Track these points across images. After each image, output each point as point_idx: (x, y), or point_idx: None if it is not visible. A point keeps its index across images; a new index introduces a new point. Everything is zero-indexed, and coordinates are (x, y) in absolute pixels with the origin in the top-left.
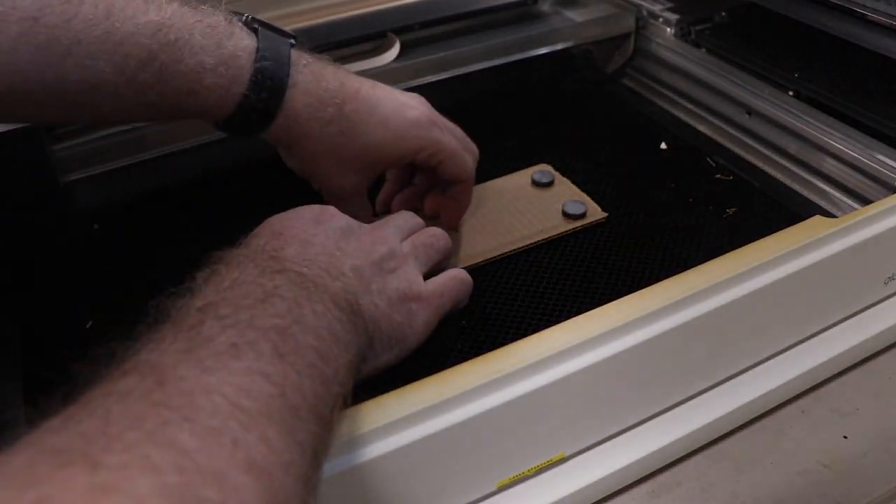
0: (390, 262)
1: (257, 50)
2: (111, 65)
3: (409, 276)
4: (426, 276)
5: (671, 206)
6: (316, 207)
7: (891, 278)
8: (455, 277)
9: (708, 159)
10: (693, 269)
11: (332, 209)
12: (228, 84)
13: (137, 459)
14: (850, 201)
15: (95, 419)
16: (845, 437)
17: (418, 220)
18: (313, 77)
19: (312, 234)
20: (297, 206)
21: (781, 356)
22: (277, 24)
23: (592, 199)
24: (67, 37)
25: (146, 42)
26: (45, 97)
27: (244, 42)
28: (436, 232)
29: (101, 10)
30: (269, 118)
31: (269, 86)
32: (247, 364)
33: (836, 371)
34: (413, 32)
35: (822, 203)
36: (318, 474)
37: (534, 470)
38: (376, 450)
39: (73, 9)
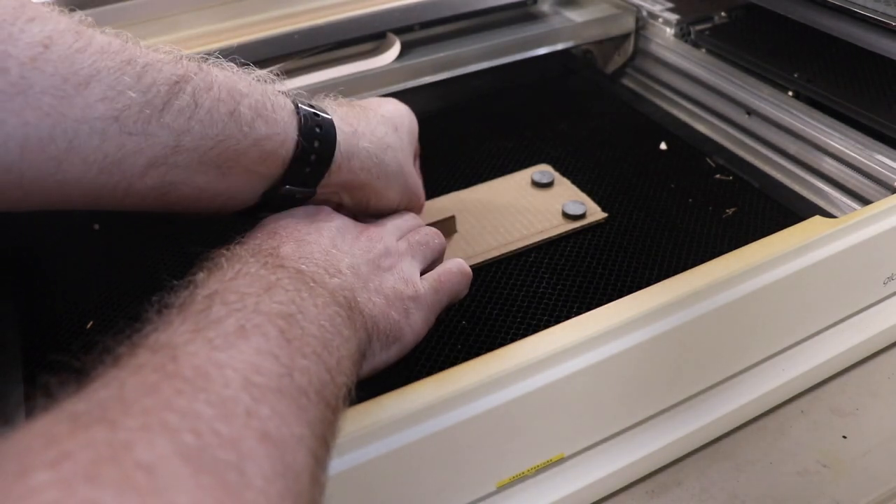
0: (386, 259)
1: (287, 94)
2: (138, 92)
3: (406, 274)
4: (422, 273)
5: (671, 206)
6: (311, 207)
7: (890, 278)
8: (451, 270)
9: (708, 159)
10: (693, 269)
11: (326, 209)
12: (272, 101)
13: (155, 422)
14: (849, 201)
15: (111, 389)
16: (845, 437)
17: (415, 220)
18: (349, 125)
19: (307, 232)
20: None
21: (781, 356)
22: (277, 24)
23: (592, 199)
24: (84, 66)
25: (170, 69)
26: (66, 147)
27: (277, 84)
28: (430, 230)
29: (115, 44)
30: (332, 131)
31: (309, 103)
32: (255, 345)
33: (836, 371)
34: (413, 32)
35: (822, 203)
36: (327, 456)
37: (533, 470)
38: (376, 450)
39: (86, 40)
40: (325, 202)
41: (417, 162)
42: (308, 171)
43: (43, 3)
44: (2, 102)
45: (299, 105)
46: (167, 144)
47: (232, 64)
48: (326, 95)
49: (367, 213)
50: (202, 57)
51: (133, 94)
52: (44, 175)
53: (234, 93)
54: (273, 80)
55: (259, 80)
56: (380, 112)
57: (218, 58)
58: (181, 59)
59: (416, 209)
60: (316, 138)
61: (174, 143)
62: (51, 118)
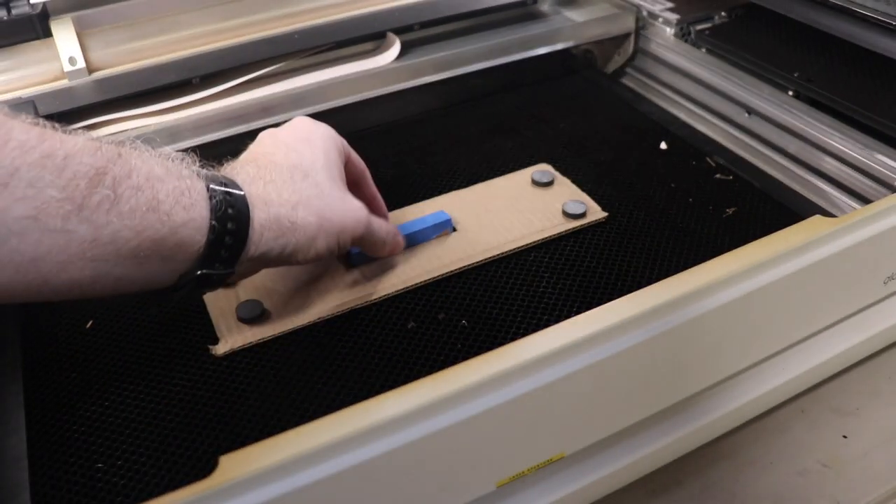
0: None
1: (182, 159)
2: (58, 189)
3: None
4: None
5: (671, 206)
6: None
7: (890, 278)
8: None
9: (708, 159)
10: (693, 269)
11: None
12: (189, 186)
13: None
14: (849, 201)
15: None
16: (845, 437)
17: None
18: (258, 195)
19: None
20: None
21: (781, 356)
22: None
23: (592, 199)
24: (3, 165)
25: (90, 160)
26: None
27: (172, 154)
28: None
29: (33, 135)
30: (245, 211)
31: (223, 181)
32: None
33: (836, 371)
34: (413, 32)
35: (822, 203)
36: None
37: (533, 470)
38: (376, 449)
39: (4, 134)
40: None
41: (368, 178)
42: (224, 254)
43: None
44: None
45: (210, 186)
46: (85, 239)
47: (147, 147)
48: (230, 159)
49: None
50: (118, 142)
51: (53, 192)
52: None
53: (153, 179)
54: (185, 159)
55: (173, 161)
56: (279, 159)
57: (134, 141)
58: (99, 147)
59: (369, 235)
60: (229, 219)
61: (92, 238)
62: None
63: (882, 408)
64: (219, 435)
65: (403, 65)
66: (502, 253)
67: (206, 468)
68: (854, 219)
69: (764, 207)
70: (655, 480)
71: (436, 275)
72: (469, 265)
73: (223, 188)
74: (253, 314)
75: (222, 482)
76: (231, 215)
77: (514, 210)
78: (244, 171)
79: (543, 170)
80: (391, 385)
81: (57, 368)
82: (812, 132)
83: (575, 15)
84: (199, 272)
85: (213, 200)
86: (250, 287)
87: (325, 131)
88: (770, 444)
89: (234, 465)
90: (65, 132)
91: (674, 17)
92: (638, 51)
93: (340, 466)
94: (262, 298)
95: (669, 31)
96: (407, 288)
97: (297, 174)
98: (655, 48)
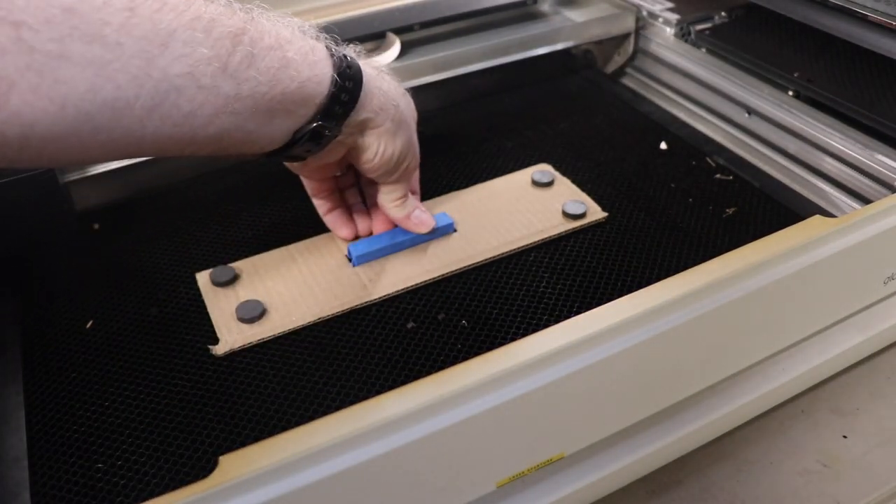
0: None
1: (318, 38)
2: (208, 48)
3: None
4: None
5: (671, 206)
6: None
7: (890, 278)
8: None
9: (708, 159)
10: (693, 269)
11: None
12: (313, 46)
13: None
14: (850, 201)
15: None
16: (845, 437)
17: None
18: (372, 67)
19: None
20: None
21: (781, 356)
22: None
23: (592, 199)
24: (163, 25)
25: (230, 21)
26: (148, 104)
27: (307, 28)
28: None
29: None
30: (359, 75)
31: (340, 46)
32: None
33: (836, 371)
34: (413, 32)
35: (822, 203)
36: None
37: (533, 470)
38: (376, 449)
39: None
40: (341, 144)
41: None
42: (338, 110)
43: None
44: (100, 68)
45: (332, 48)
46: (229, 94)
47: (272, 10)
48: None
49: (373, 164)
50: (247, 8)
51: (204, 50)
52: (127, 134)
53: (282, 40)
54: (304, 25)
55: (296, 26)
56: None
57: (259, 6)
58: (235, 11)
59: (413, 168)
60: (348, 78)
61: (235, 93)
62: (138, 80)
63: (882, 408)
64: (219, 435)
65: (403, 65)
66: (502, 253)
67: (206, 468)
68: (854, 219)
69: (764, 207)
70: (655, 480)
71: (436, 275)
72: (469, 265)
73: (342, 54)
74: (253, 314)
75: (222, 482)
76: (349, 74)
77: (514, 210)
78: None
79: (543, 170)
80: (391, 385)
81: (57, 368)
82: (812, 132)
83: (575, 15)
84: (314, 124)
85: (334, 58)
86: (250, 287)
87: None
88: (770, 444)
89: (234, 465)
90: None
91: (674, 17)
92: (638, 51)
93: (340, 466)
94: (262, 298)
95: (669, 31)
96: (407, 288)
97: (399, 93)
98: (655, 48)
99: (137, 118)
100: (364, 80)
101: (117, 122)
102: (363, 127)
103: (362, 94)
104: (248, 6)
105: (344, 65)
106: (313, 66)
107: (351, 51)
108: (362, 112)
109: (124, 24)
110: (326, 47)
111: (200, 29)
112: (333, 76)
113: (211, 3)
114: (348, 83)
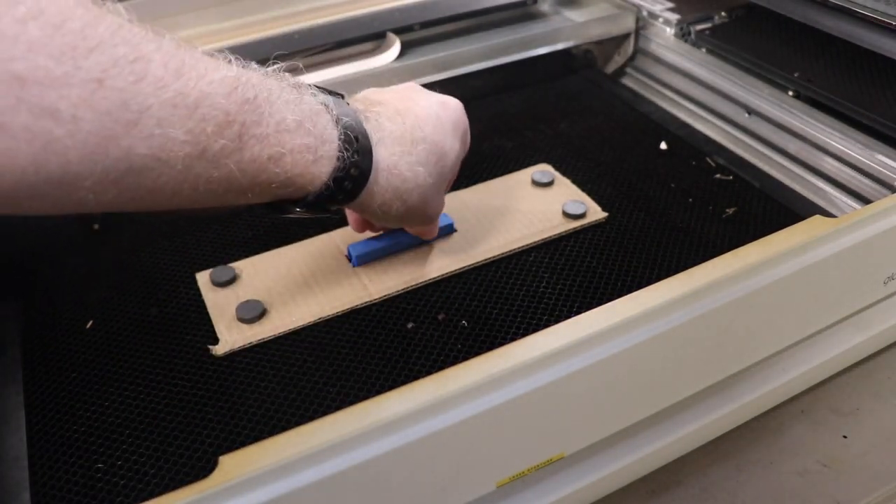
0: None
1: (326, 105)
2: (185, 132)
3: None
4: None
5: (671, 206)
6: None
7: (891, 278)
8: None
9: (708, 159)
10: (693, 269)
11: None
12: (316, 144)
13: None
14: (849, 201)
15: None
16: (845, 437)
17: None
18: (390, 157)
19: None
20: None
21: (781, 356)
22: (277, 24)
23: (592, 199)
24: (136, 101)
25: (222, 102)
26: (102, 180)
27: (319, 96)
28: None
29: (171, 69)
30: (363, 181)
31: (356, 144)
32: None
33: (836, 371)
34: (413, 32)
35: (822, 203)
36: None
37: (533, 470)
38: (376, 449)
39: (143, 68)
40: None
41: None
42: (328, 205)
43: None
44: (47, 143)
45: (342, 144)
46: (201, 176)
47: (290, 81)
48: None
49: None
50: (262, 73)
51: (178, 134)
52: (79, 205)
53: (282, 131)
54: (329, 102)
55: (314, 105)
56: (428, 131)
57: (278, 72)
58: (236, 87)
59: (423, 235)
60: (349, 179)
61: (207, 177)
62: (93, 158)
63: (882, 408)
64: (219, 435)
65: (403, 65)
66: (502, 253)
67: (206, 468)
68: (854, 219)
69: (764, 207)
70: (655, 480)
71: (436, 275)
72: (469, 265)
73: (354, 152)
74: (253, 314)
75: (222, 482)
76: (353, 175)
77: (514, 210)
78: (390, 125)
79: (543, 170)
80: (391, 385)
81: (57, 368)
82: (812, 132)
83: (575, 15)
84: (293, 209)
85: (339, 162)
86: (250, 287)
87: (461, 110)
88: (770, 444)
89: (234, 465)
90: (208, 58)
91: (674, 17)
92: (638, 51)
93: (340, 466)
94: (262, 298)
95: (669, 31)
96: (407, 288)
97: (433, 156)
98: (655, 48)
99: (89, 191)
100: (372, 178)
101: (67, 196)
102: (353, 208)
103: (364, 191)
104: (266, 71)
105: (348, 167)
106: (309, 166)
107: (384, 121)
108: (357, 204)
109: (87, 97)
110: (341, 140)
111: (182, 107)
112: (328, 182)
113: (213, 67)
114: (347, 184)
